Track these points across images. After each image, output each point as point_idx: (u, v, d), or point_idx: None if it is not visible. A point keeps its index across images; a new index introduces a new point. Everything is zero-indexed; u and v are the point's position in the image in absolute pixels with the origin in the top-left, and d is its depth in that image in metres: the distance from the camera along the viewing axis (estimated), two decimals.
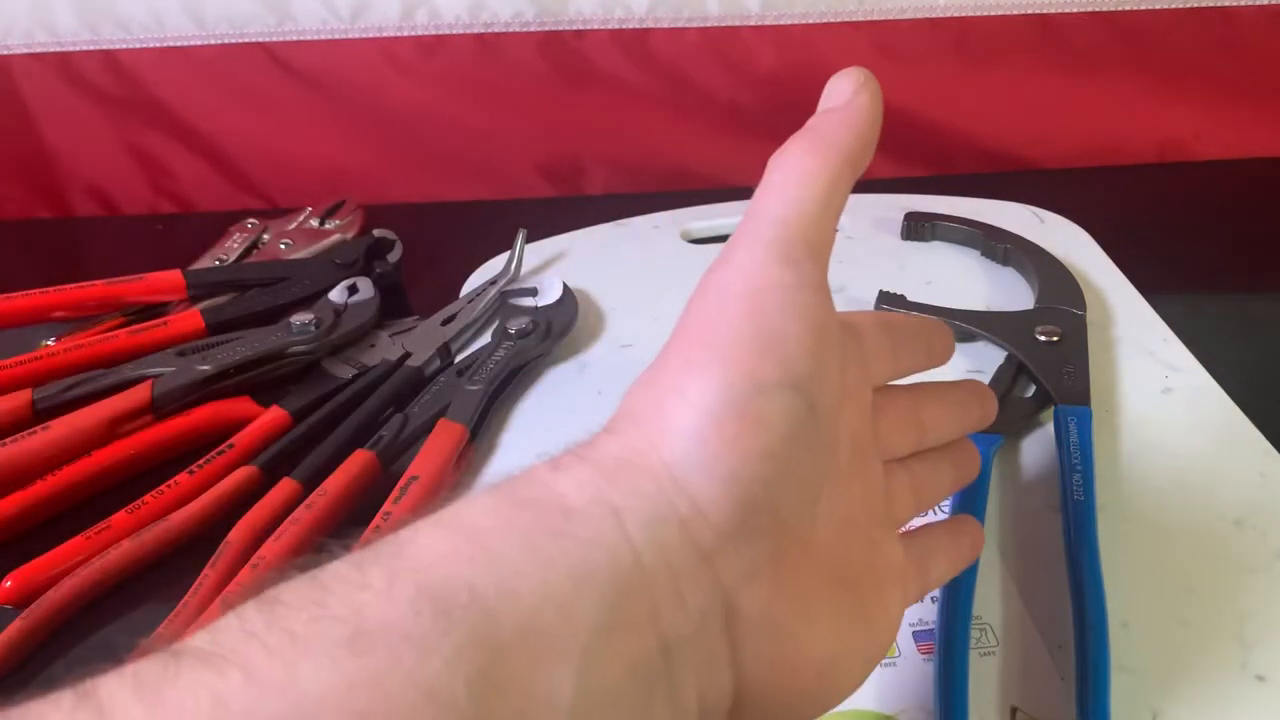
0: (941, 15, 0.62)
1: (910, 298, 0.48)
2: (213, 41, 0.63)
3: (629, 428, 0.23)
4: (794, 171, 0.24)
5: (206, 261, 0.57)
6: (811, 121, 0.25)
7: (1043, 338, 0.45)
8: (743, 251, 0.24)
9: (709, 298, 0.24)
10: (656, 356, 0.24)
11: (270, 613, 0.18)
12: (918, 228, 0.55)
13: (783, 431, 0.22)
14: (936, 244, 0.55)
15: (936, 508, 0.39)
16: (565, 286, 0.50)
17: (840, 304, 0.52)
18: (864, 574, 0.25)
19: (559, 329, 0.48)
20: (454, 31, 0.62)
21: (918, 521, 0.30)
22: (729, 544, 0.21)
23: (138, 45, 0.63)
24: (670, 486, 0.21)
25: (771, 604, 0.22)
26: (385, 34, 0.62)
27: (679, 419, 0.22)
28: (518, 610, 0.19)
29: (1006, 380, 0.43)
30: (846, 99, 0.25)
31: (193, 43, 0.63)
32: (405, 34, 0.62)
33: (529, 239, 0.54)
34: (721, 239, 0.58)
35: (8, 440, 0.42)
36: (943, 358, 0.31)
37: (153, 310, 0.52)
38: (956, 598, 0.33)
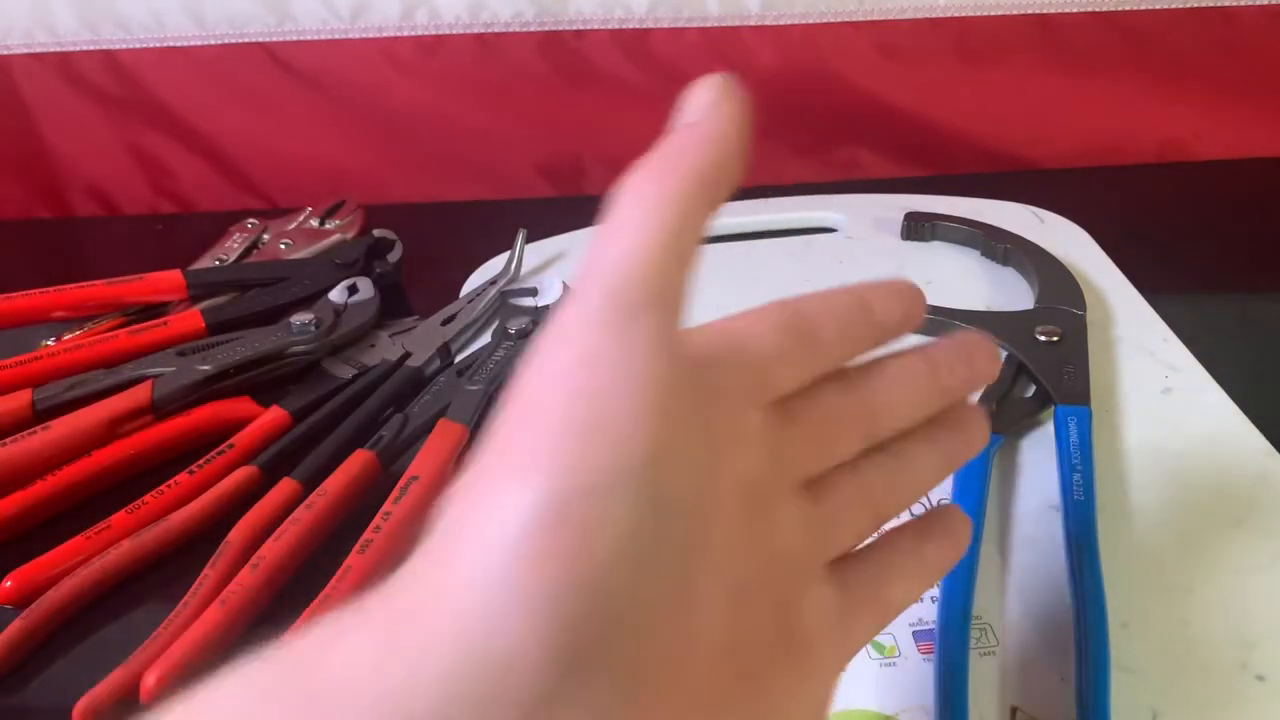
0: (941, 15, 0.62)
1: None
2: (213, 41, 0.63)
3: (437, 553, 0.18)
4: (637, 203, 0.20)
5: (206, 261, 0.57)
6: (662, 142, 0.22)
7: (1043, 338, 0.45)
8: (573, 311, 0.19)
9: (533, 377, 0.19)
10: (482, 452, 0.19)
11: None
12: (918, 228, 0.55)
13: (617, 536, 0.17)
14: (936, 244, 0.55)
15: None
16: (565, 286, 0.50)
17: None
18: (771, 649, 0.21)
19: None
20: (454, 31, 0.62)
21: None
22: (562, 688, 0.17)
23: (138, 45, 0.63)
24: (475, 635, 0.17)
25: None
26: (385, 34, 0.62)
27: (487, 541, 0.17)
28: None
29: (1006, 380, 0.43)
30: (703, 113, 0.22)
31: (193, 43, 0.63)
32: (405, 34, 0.62)
33: (529, 239, 0.54)
34: (720, 239, 0.58)
35: (8, 440, 0.42)
36: (898, 323, 0.25)
37: (153, 310, 0.52)
38: (956, 598, 0.33)
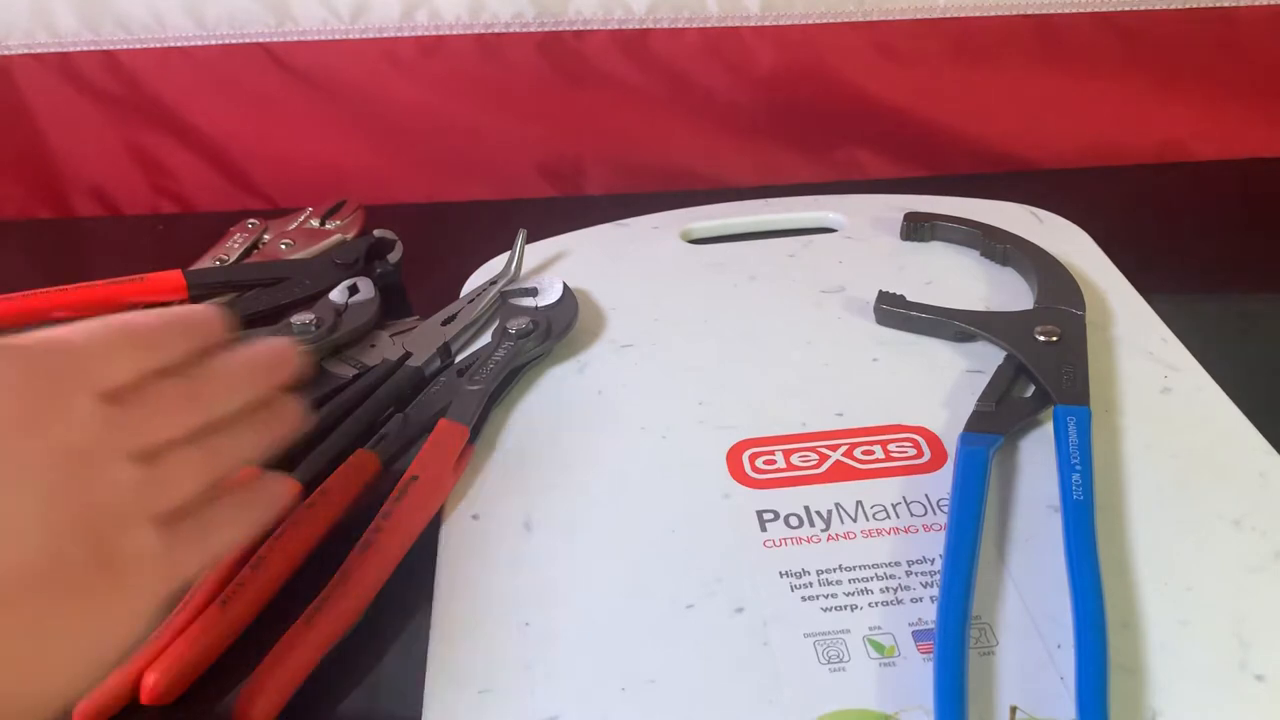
0: (941, 15, 0.62)
1: (910, 298, 0.48)
2: (213, 41, 0.63)
3: None
4: None
5: (207, 261, 0.57)
6: None
7: (1042, 338, 0.45)
8: None
9: None
10: None
11: None
12: (918, 228, 0.55)
13: None
14: (936, 244, 0.55)
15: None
16: (565, 286, 0.50)
17: (839, 304, 0.52)
18: (91, 572, 0.26)
19: (559, 329, 0.48)
20: (454, 31, 0.62)
21: None
22: None
23: (138, 45, 0.63)
24: None
25: None
26: (385, 34, 0.62)
27: None
28: None
29: (1006, 380, 0.43)
30: None
31: (193, 43, 0.63)
32: (405, 34, 0.62)
33: (529, 239, 0.54)
34: (721, 239, 0.58)
35: None
36: (207, 335, 0.32)
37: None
38: (956, 598, 0.33)
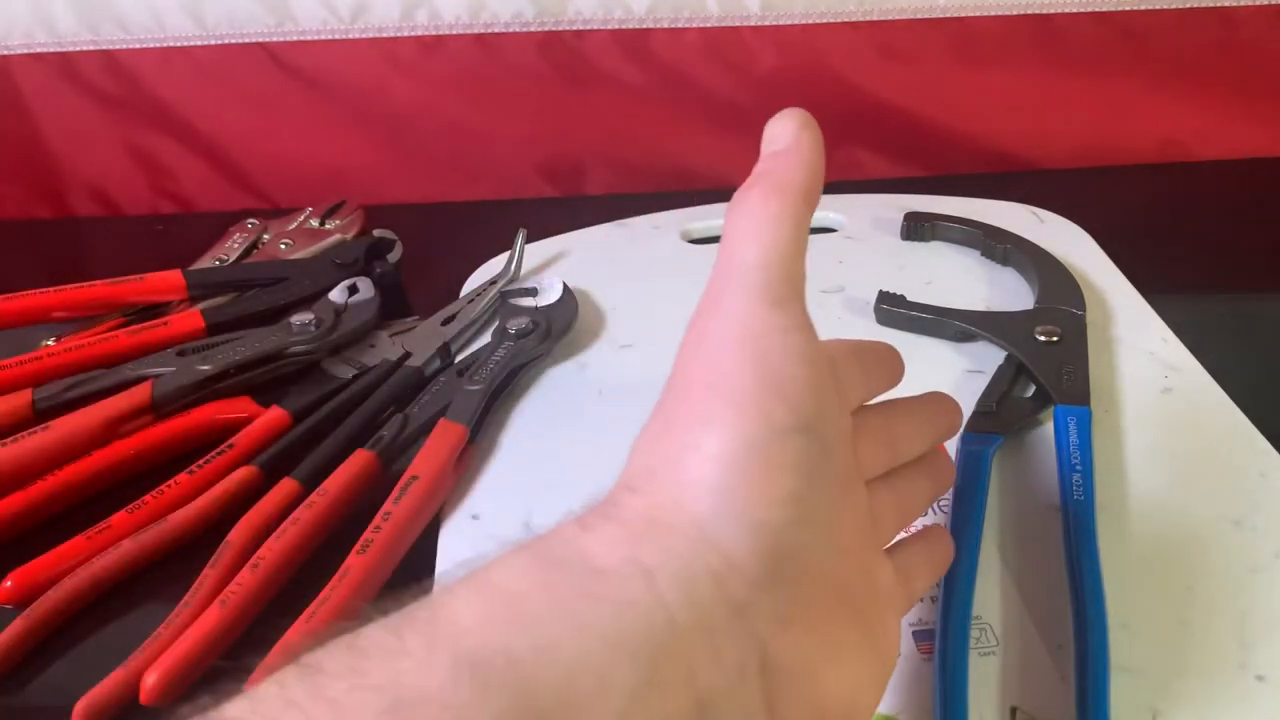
0: (941, 15, 0.62)
1: (910, 298, 0.48)
2: (213, 41, 0.63)
3: (649, 484, 0.23)
4: (760, 217, 0.25)
5: (206, 261, 0.57)
6: (762, 166, 0.26)
7: (1042, 338, 0.45)
8: (731, 299, 0.24)
9: (707, 346, 0.24)
10: (659, 405, 0.24)
11: (311, 681, 0.18)
12: (918, 228, 0.55)
13: (803, 474, 0.22)
14: (936, 244, 0.55)
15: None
16: (565, 286, 0.50)
17: (840, 304, 0.52)
18: (866, 602, 0.25)
19: (559, 329, 0.48)
20: (454, 31, 0.62)
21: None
22: (762, 594, 0.22)
23: (138, 45, 0.63)
24: (700, 542, 0.22)
25: (803, 648, 0.22)
26: (385, 34, 0.62)
27: (700, 472, 0.22)
28: (554, 677, 0.19)
29: (1006, 380, 0.43)
30: (791, 139, 0.26)
31: (193, 43, 0.63)
32: (405, 34, 0.62)
33: (529, 239, 0.54)
34: (720, 239, 0.58)
35: (8, 440, 0.42)
36: (899, 377, 0.31)
37: (153, 310, 0.52)
38: (956, 598, 0.33)
